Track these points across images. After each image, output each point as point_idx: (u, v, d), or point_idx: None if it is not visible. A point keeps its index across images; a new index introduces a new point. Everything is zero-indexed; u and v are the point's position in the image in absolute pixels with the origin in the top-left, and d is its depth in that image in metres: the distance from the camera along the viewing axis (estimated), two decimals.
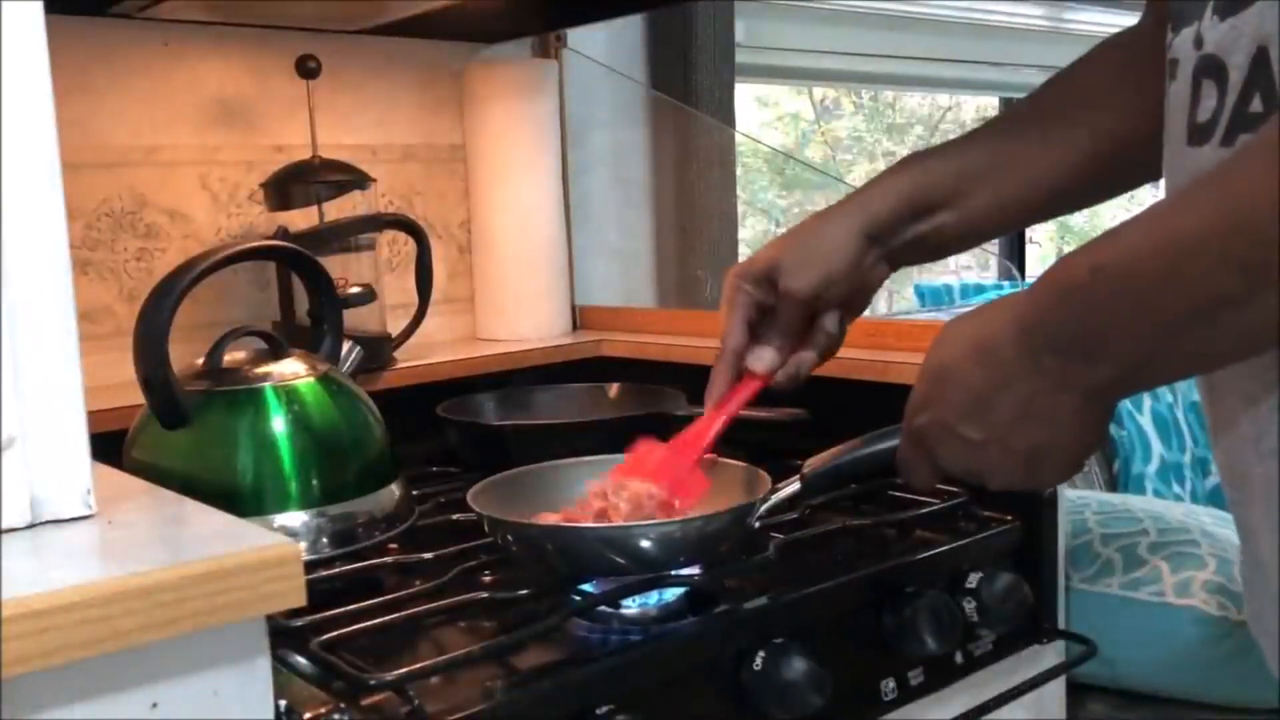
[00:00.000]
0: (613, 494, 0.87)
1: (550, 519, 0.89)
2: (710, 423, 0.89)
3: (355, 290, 1.26)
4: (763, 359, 0.86)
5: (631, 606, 0.86)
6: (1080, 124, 0.80)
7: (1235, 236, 0.48)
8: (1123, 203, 4.57)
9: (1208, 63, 0.58)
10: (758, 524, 0.90)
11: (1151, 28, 0.76)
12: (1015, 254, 3.15)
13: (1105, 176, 0.82)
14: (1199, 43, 0.59)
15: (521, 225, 1.53)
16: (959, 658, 0.99)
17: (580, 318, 1.63)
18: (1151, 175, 0.73)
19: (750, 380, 0.87)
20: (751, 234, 3.10)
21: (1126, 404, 2.00)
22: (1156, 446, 2.02)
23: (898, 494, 1.08)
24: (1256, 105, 0.55)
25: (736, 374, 0.87)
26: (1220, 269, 0.49)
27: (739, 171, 1.95)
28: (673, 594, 0.88)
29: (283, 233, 1.29)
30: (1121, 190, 0.84)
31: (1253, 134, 0.55)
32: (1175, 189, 0.62)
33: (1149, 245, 0.53)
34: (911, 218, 0.82)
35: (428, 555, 0.95)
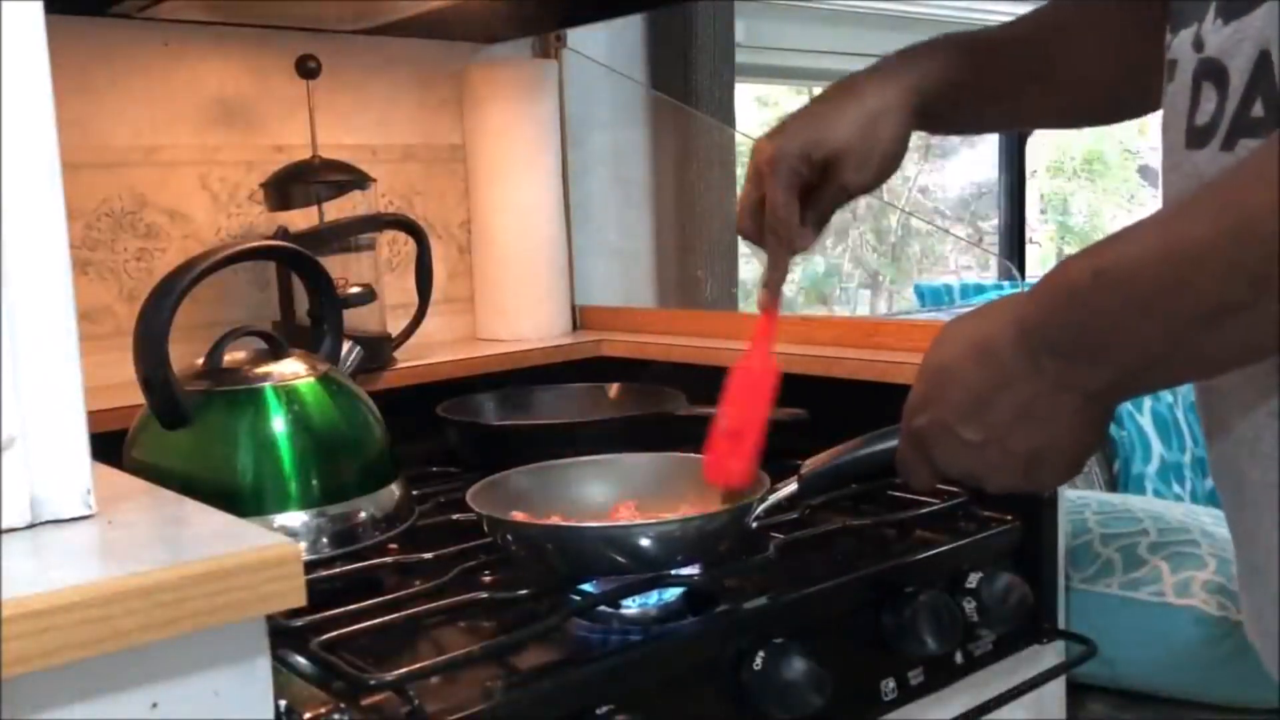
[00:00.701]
0: None
1: (551, 519, 0.90)
2: (772, 316, 0.88)
3: (355, 290, 1.26)
4: (807, 239, 0.86)
5: (631, 606, 0.86)
6: (1108, 44, 0.81)
7: (1243, 245, 0.48)
8: (1122, 203, 4.56)
9: (1208, 66, 0.58)
10: (755, 524, 0.90)
11: None
12: (1015, 254, 3.15)
13: (1134, 99, 0.83)
14: (1199, 45, 0.59)
15: (521, 225, 1.53)
16: (959, 658, 0.99)
17: (580, 318, 1.63)
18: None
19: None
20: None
21: (1126, 404, 2.00)
22: (1156, 446, 2.02)
23: (898, 494, 1.08)
24: (1258, 110, 0.55)
25: (790, 252, 0.87)
26: (1227, 276, 0.49)
27: (739, 171, 1.95)
28: (673, 594, 0.88)
29: (283, 233, 1.29)
30: (1140, 113, 0.86)
31: (1254, 138, 0.55)
32: (1176, 192, 0.62)
33: (1154, 251, 0.53)
34: (956, 104, 0.83)
35: (428, 555, 0.95)
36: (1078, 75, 0.83)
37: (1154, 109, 0.79)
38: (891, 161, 0.83)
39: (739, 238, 0.91)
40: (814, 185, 0.84)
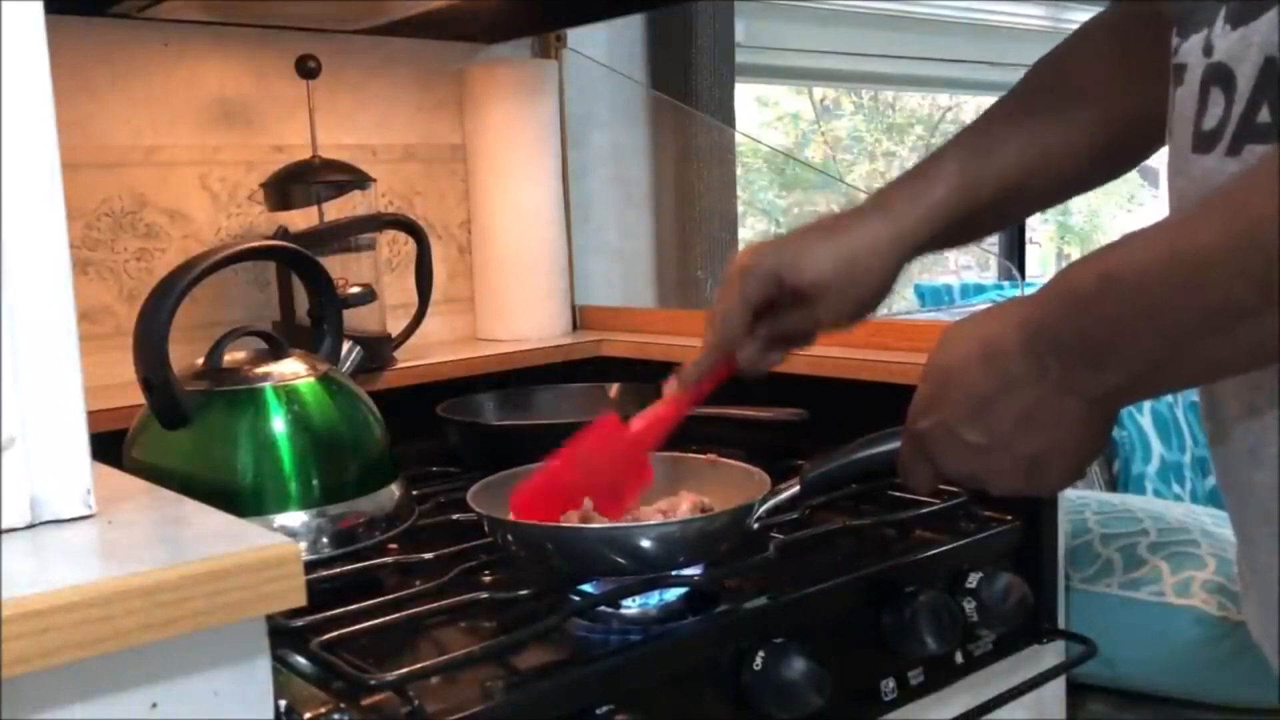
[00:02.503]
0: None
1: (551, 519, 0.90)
2: (680, 407, 0.86)
3: (355, 290, 1.26)
4: (750, 355, 0.83)
5: (631, 606, 0.86)
6: (1091, 112, 0.79)
7: (1251, 250, 0.48)
8: (1122, 203, 4.56)
9: (1216, 71, 0.58)
10: (757, 525, 0.90)
11: (1130, 9, 0.77)
12: (1015, 254, 3.15)
13: (1119, 159, 0.82)
14: (1208, 50, 0.59)
15: (521, 225, 1.53)
16: (959, 658, 0.99)
17: (580, 318, 1.63)
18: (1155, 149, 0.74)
19: (722, 369, 0.85)
20: (751, 234, 3.10)
21: None
22: (1156, 446, 2.02)
23: (898, 494, 1.07)
24: (1264, 115, 0.55)
25: (718, 362, 0.84)
26: (1234, 282, 0.49)
27: (739, 171, 1.95)
28: (673, 594, 0.88)
29: (283, 233, 1.29)
30: (1130, 167, 0.85)
31: (1261, 144, 0.55)
32: (1181, 196, 0.62)
33: (1161, 256, 0.53)
34: (949, 233, 0.80)
35: (428, 555, 0.95)
36: (1081, 113, 0.80)
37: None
38: (871, 303, 0.80)
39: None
40: (780, 307, 0.81)
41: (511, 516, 0.89)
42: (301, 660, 0.76)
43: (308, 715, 0.69)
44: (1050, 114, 0.80)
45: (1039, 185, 0.81)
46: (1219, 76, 0.58)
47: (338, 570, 0.91)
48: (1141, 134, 0.78)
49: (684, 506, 0.92)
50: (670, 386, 0.87)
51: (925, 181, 0.80)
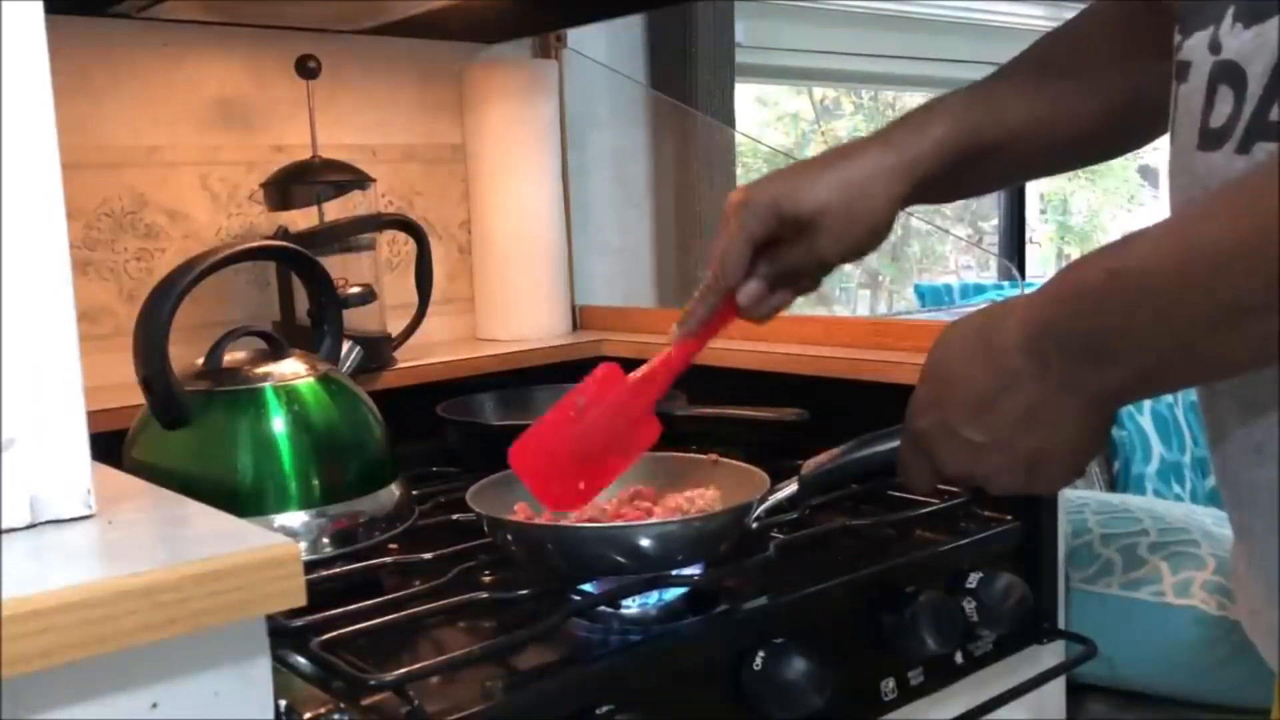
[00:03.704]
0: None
1: (551, 519, 0.90)
2: (681, 353, 0.83)
3: (355, 290, 1.26)
4: (752, 294, 0.80)
5: (631, 606, 0.86)
6: (1100, 84, 0.79)
7: (1261, 248, 0.48)
8: (1122, 203, 4.56)
9: (1225, 69, 0.58)
10: (755, 524, 0.90)
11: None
12: (1015, 254, 3.15)
13: (1122, 136, 0.82)
14: (1216, 48, 0.59)
15: (521, 225, 1.53)
16: (959, 658, 0.99)
17: (580, 318, 1.63)
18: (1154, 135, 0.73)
19: (726, 312, 0.82)
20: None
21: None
22: (1156, 446, 2.02)
23: (898, 494, 1.07)
24: (1275, 114, 0.55)
25: (720, 304, 0.82)
26: (1244, 279, 0.49)
27: (739, 171, 1.95)
28: (673, 594, 0.88)
29: (283, 233, 1.29)
30: (1129, 149, 0.84)
31: (1271, 142, 0.55)
32: (1185, 194, 0.62)
33: (1171, 252, 0.52)
34: (949, 172, 0.78)
35: (428, 555, 0.95)
36: (1093, 82, 0.80)
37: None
38: (874, 235, 0.78)
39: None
40: (782, 242, 0.79)
41: (512, 468, 0.85)
42: (301, 660, 0.76)
43: (308, 715, 0.69)
44: (1059, 80, 0.80)
45: (1041, 142, 0.80)
46: (1228, 74, 0.58)
47: (338, 570, 0.91)
48: (1147, 116, 0.78)
49: (710, 494, 0.92)
50: (673, 333, 0.84)
51: (928, 116, 0.79)
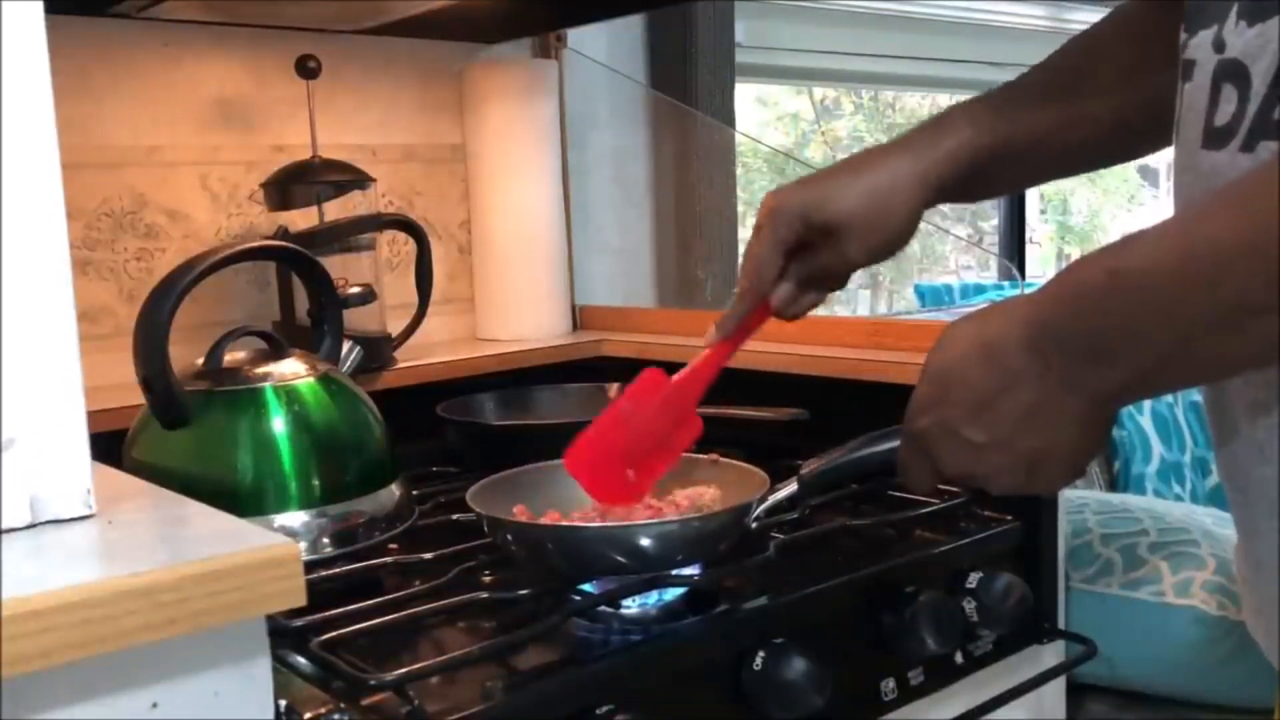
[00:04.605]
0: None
1: (551, 519, 0.90)
2: (719, 354, 0.87)
3: (355, 290, 1.26)
4: (785, 297, 0.84)
5: (631, 606, 0.86)
6: (1121, 88, 0.80)
7: (1265, 248, 0.48)
8: (1122, 203, 4.55)
9: (1229, 67, 0.58)
10: (755, 524, 0.90)
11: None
12: (1015, 254, 3.15)
13: (1142, 139, 0.83)
14: (1220, 46, 0.59)
15: (521, 225, 1.53)
16: (959, 658, 0.99)
17: (580, 318, 1.63)
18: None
19: (761, 314, 0.86)
20: (751, 234, 3.10)
21: None
22: (1156, 446, 2.01)
23: (898, 494, 1.07)
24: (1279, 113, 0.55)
25: (755, 307, 0.85)
26: (1247, 279, 0.49)
27: (739, 171, 1.95)
28: (673, 594, 0.88)
29: (283, 233, 1.29)
30: (1150, 151, 0.85)
31: (1275, 141, 0.55)
32: (1190, 192, 0.62)
33: (1173, 252, 0.52)
34: (969, 178, 0.81)
35: (428, 555, 0.95)
36: (1115, 86, 0.81)
37: None
38: (898, 238, 0.81)
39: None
40: (812, 247, 0.82)
41: (567, 470, 0.89)
42: (301, 660, 0.76)
43: (308, 715, 0.69)
44: (1080, 84, 0.81)
45: (1059, 148, 0.82)
46: (1232, 72, 0.58)
47: (338, 570, 0.91)
48: (1164, 122, 0.79)
49: (710, 494, 0.92)
50: (709, 336, 0.88)
51: (949, 123, 0.81)
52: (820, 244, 0.82)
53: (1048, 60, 0.83)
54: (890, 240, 0.81)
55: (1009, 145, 0.80)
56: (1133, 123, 0.80)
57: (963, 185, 0.81)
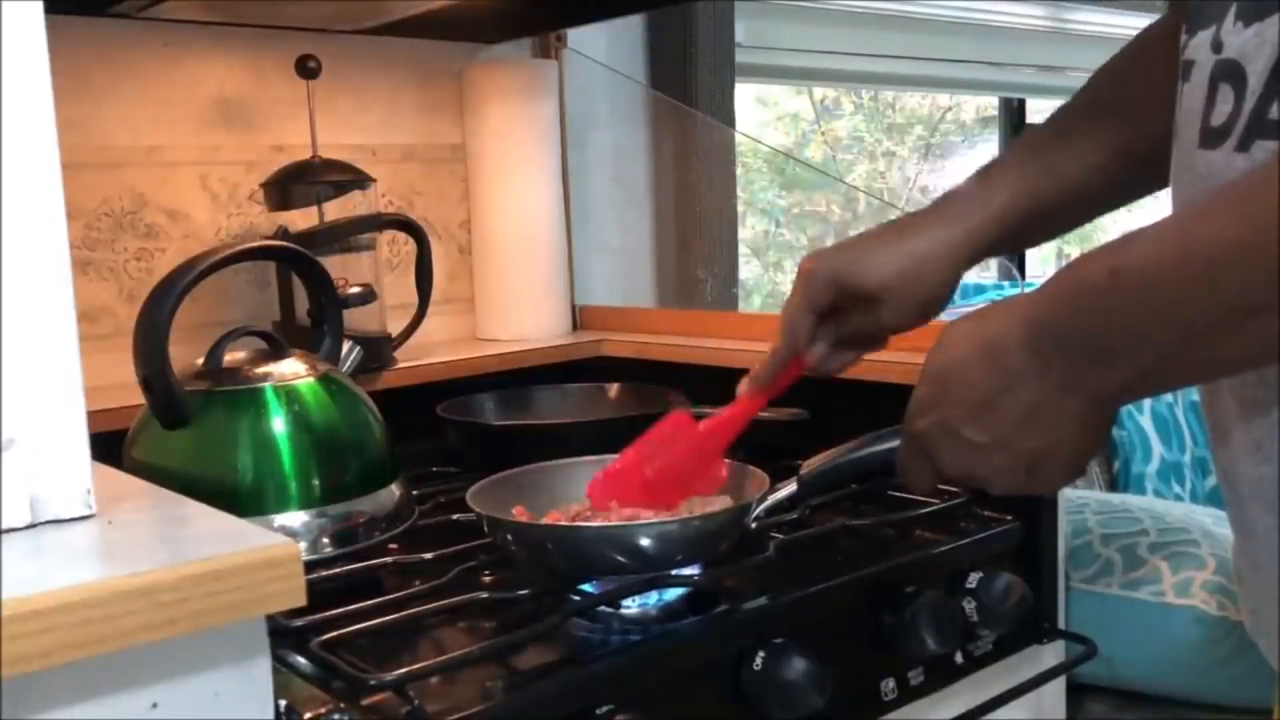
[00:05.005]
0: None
1: (551, 519, 0.90)
2: (751, 407, 0.87)
3: (355, 290, 1.26)
4: (819, 355, 0.84)
5: (631, 606, 0.86)
6: (1152, 120, 0.78)
7: (1264, 247, 0.48)
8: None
9: (1226, 67, 0.58)
10: (754, 524, 0.90)
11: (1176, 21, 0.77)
12: (1015, 254, 3.15)
13: (1159, 177, 0.82)
14: (1218, 46, 0.59)
15: (521, 225, 1.53)
16: (959, 658, 0.99)
17: (580, 318, 1.63)
18: None
19: (793, 369, 0.86)
20: (751, 234, 3.09)
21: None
22: (1156, 446, 2.01)
23: (898, 494, 1.07)
24: (1275, 112, 0.55)
25: (788, 364, 0.85)
26: (1247, 278, 0.49)
27: (739, 171, 1.95)
28: (673, 594, 0.88)
29: (283, 233, 1.29)
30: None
31: (1270, 140, 0.55)
32: (1187, 192, 0.62)
33: (1174, 251, 0.52)
34: (1011, 240, 0.80)
35: (428, 555, 0.95)
36: (1147, 118, 0.78)
37: None
38: (934, 306, 0.80)
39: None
40: (845, 311, 0.82)
41: (589, 499, 0.90)
42: (301, 660, 0.76)
43: (308, 715, 0.69)
44: (1112, 121, 0.80)
45: (1101, 191, 0.81)
46: (1229, 73, 0.58)
47: (338, 570, 0.91)
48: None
49: (682, 506, 0.92)
50: (743, 388, 0.87)
51: (988, 187, 0.80)
52: (853, 309, 0.81)
53: (1080, 97, 0.82)
54: (926, 307, 0.80)
55: (1052, 200, 0.79)
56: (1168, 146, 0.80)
57: (1004, 246, 0.81)
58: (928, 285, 0.79)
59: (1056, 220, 0.82)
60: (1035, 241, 0.86)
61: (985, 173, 0.81)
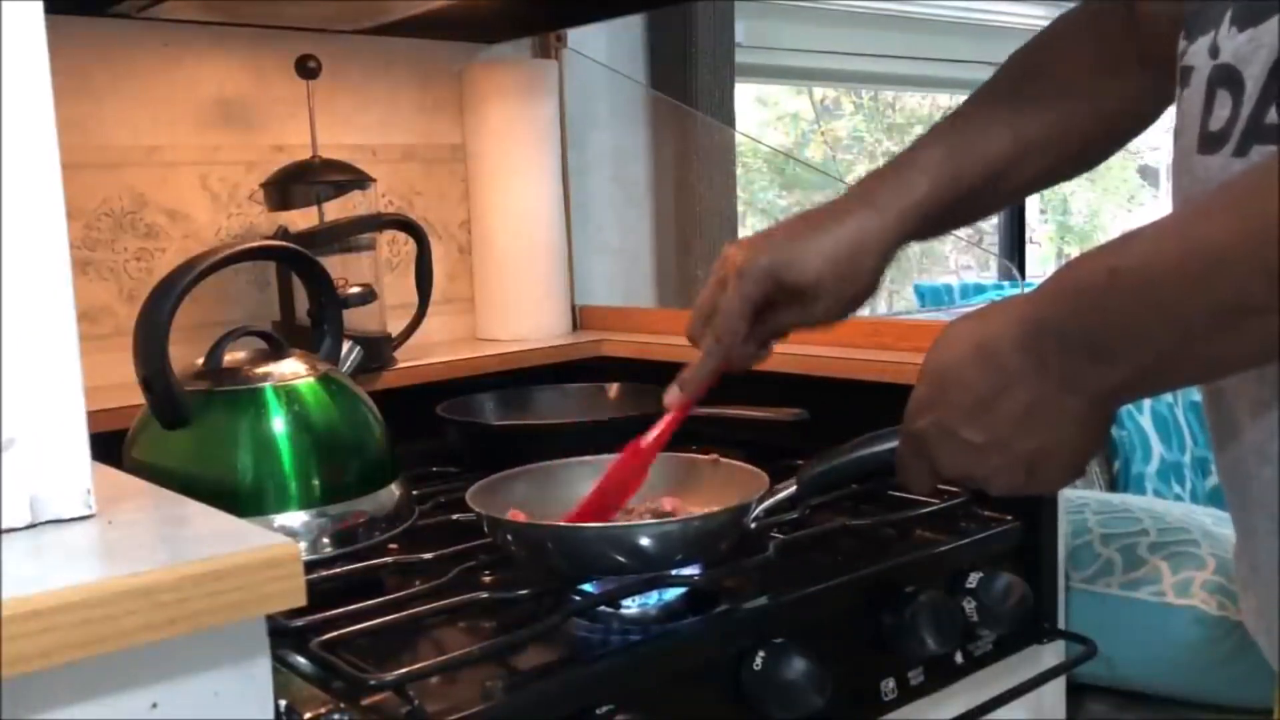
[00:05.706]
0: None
1: (551, 519, 0.90)
2: (680, 414, 0.87)
3: (355, 290, 1.26)
4: (745, 353, 0.83)
5: (631, 606, 0.86)
6: (1069, 104, 0.80)
7: (1263, 246, 0.48)
8: (1122, 203, 4.55)
9: (1223, 72, 0.58)
10: (754, 524, 0.90)
11: (1102, 5, 0.78)
12: (1015, 254, 3.15)
13: (1096, 150, 0.83)
14: (1215, 52, 0.59)
15: (521, 225, 1.53)
16: (959, 658, 0.99)
17: (580, 318, 1.63)
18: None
19: (720, 369, 0.85)
20: (751, 234, 3.10)
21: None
22: (1156, 446, 2.01)
23: (898, 494, 1.07)
24: (1272, 116, 0.55)
25: (717, 365, 0.84)
26: (1246, 278, 0.49)
27: (739, 171, 1.95)
28: (673, 594, 0.88)
29: (283, 233, 1.29)
30: (1105, 158, 0.86)
31: (1268, 145, 0.55)
32: (1185, 195, 0.62)
33: (1173, 250, 0.52)
34: (936, 223, 0.81)
35: (428, 555, 0.95)
36: (1068, 99, 0.80)
37: (1151, 122, 0.79)
38: (865, 294, 0.81)
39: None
40: (775, 305, 0.82)
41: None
42: (301, 660, 0.76)
43: (308, 715, 0.69)
44: (1029, 105, 0.81)
45: (1019, 175, 0.81)
46: (1226, 78, 0.58)
47: (338, 570, 0.91)
48: (1119, 126, 0.80)
49: (681, 506, 0.92)
50: (673, 395, 0.86)
51: (909, 173, 0.80)
52: (785, 303, 0.81)
53: (1000, 77, 0.83)
54: (857, 298, 0.81)
55: (976, 178, 0.80)
56: (1095, 128, 0.81)
57: (930, 229, 0.81)
58: (858, 278, 0.79)
59: (980, 202, 0.83)
60: (960, 224, 0.86)
61: (905, 159, 0.81)
